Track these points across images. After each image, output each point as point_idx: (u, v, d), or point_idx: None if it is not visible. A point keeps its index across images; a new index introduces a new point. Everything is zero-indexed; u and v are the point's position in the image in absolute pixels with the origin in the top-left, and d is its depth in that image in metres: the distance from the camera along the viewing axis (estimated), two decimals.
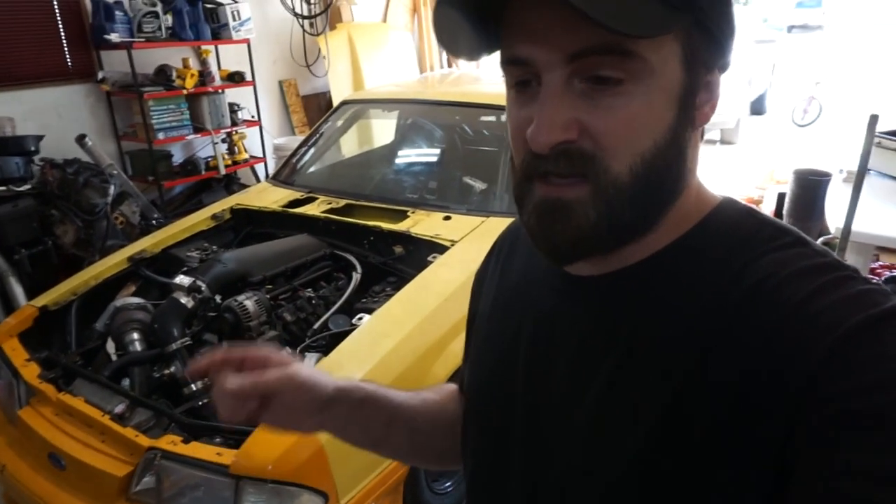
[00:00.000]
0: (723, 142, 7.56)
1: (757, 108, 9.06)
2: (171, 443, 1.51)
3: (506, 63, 0.49)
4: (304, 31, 5.31)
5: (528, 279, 0.62)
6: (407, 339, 1.73)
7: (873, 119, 2.15)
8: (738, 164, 6.11)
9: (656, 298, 0.50)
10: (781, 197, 3.88)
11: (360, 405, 0.66)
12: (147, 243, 2.44)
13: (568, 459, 0.53)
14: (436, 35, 0.50)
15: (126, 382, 1.83)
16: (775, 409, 0.41)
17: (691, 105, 0.48)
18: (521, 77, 0.49)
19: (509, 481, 0.59)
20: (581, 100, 0.46)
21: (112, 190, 3.46)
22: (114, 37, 3.72)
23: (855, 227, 2.35)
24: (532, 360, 0.58)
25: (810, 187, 3.55)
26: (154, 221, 3.61)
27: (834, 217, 2.76)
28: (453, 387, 0.80)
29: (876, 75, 11.84)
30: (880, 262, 3.03)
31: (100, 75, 3.91)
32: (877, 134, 2.40)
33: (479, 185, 2.59)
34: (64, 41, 3.87)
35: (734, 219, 0.52)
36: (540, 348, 0.57)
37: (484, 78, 3.85)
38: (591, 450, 0.51)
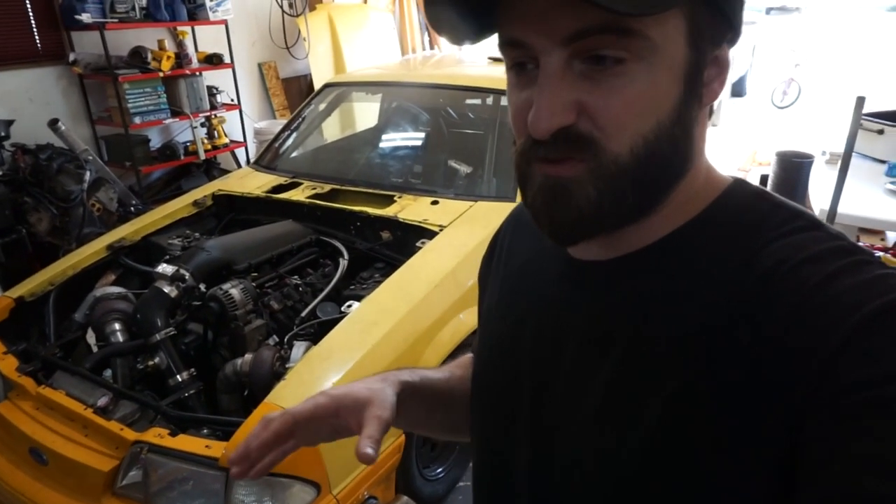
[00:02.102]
0: None
1: (737, 90, 9.12)
2: (157, 436, 1.47)
3: (503, 45, 0.48)
4: (283, 11, 5.19)
5: (535, 264, 0.61)
6: (397, 327, 1.71)
7: (860, 101, 2.15)
8: (720, 146, 6.14)
9: (665, 284, 0.49)
10: (764, 179, 3.90)
11: (411, 397, 0.65)
12: (126, 231, 2.38)
13: (573, 447, 0.52)
14: (430, 21, 0.48)
15: (108, 374, 1.78)
16: (788, 396, 0.40)
17: (698, 82, 0.47)
18: (518, 59, 0.47)
19: (514, 471, 0.58)
20: (581, 81, 0.44)
21: (88, 176, 3.36)
22: (85, 17, 3.59)
23: (839, 208, 2.37)
24: (539, 345, 0.57)
25: (793, 169, 3.58)
26: (132, 208, 3.53)
27: (817, 198, 2.78)
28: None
29: (853, 57, 11.97)
30: (861, 243, 3.07)
31: (71, 57, 3.78)
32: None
33: (464, 169, 2.56)
34: (32, 22, 3.73)
35: (745, 201, 0.50)
36: (547, 334, 0.56)
37: (467, 60, 3.80)
38: (596, 441, 0.50)
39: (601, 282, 0.53)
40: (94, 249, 2.27)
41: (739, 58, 8.41)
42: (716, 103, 0.51)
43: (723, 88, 0.49)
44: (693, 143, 0.48)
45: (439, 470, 2.08)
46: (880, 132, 2.92)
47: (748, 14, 10.10)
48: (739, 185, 0.52)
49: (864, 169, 2.84)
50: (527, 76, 0.47)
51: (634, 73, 0.43)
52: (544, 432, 0.55)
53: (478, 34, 0.49)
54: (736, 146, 6.19)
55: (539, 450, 0.56)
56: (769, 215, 0.48)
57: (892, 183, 2.62)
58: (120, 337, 1.88)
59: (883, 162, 2.84)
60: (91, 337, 1.95)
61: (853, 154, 2.38)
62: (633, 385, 0.48)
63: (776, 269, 0.44)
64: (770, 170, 3.90)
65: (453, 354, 1.86)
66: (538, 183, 0.48)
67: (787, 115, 8.03)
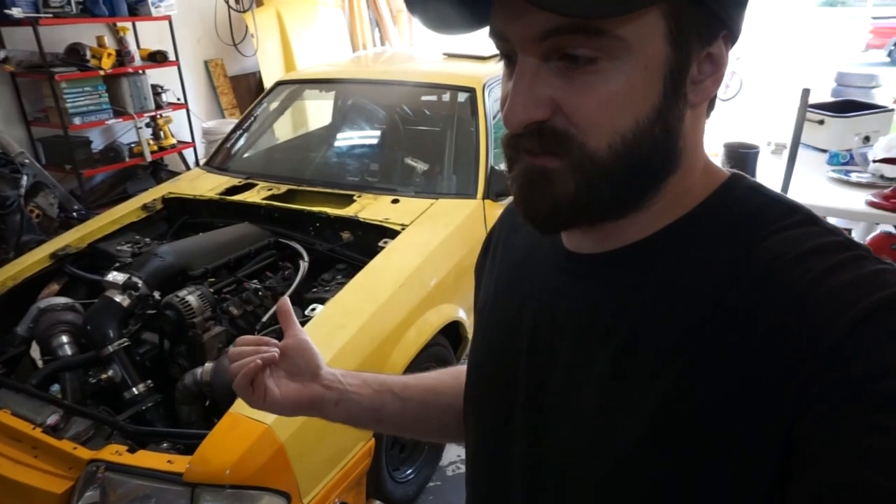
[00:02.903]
0: None
1: None
2: (115, 453, 1.40)
3: (491, 35, 0.48)
4: (229, 7, 5.04)
5: (532, 257, 0.61)
6: (363, 329, 1.68)
7: (805, 93, 2.23)
8: None
9: (661, 278, 0.49)
10: None
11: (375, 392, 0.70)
12: (71, 238, 2.27)
13: (569, 443, 0.52)
14: (412, 8, 0.47)
15: (55, 389, 1.69)
16: (784, 391, 0.40)
17: (681, 81, 0.46)
18: (505, 51, 0.48)
19: (510, 464, 0.58)
20: (557, 78, 0.45)
21: (24, 180, 3.20)
22: (16, 11, 3.40)
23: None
24: (535, 338, 0.57)
25: (740, 159, 3.68)
26: (75, 214, 3.37)
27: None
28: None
29: (790, 50, 12.49)
30: None
31: (1, 54, 3.57)
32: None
33: (420, 166, 2.54)
34: None
35: (742, 196, 0.50)
36: (543, 327, 0.56)
37: (419, 56, 3.77)
38: (594, 430, 0.50)
39: (596, 275, 0.53)
40: (36, 258, 2.15)
41: None
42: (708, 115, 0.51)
43: (718, 86, 0.48)
44: (678, 142, 0.48)
45: (409, 471, 2.06)
46: (821, 122, 3.04)
47: None
48: (737, 179, 0.52)
49: (806, 158, 2.94)
50: (512, 68, 0.47)
51: (608, 72, 0.43)
52: (540, 427, 0.55)
53: (470, 24, 0.49)
54: None
55: (535, 443, 0.56)
56: (766, 210, 0.48)
57: (833, 171, 2.73)
58: (68, 350, 1.79)
59: (824, 151, 2.96)
60: (35, 351, 1.85)
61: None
62: (629, 379, 0.48)
63: (773, 263, 0.44)
64: (717, 160, 4.03)
65: (420, 354, 1.85)
66: (521, 169, 0.49)
67: (731, 107, 8.32)
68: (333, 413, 0.68)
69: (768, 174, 2.95)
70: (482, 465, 0.64)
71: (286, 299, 0.70)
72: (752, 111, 7.44)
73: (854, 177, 2.64)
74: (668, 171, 0.48)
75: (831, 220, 2.79)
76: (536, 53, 0.44)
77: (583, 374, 0.51)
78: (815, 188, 2.67)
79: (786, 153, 2.60)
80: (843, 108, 3.16)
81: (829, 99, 4.51)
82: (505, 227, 0.68)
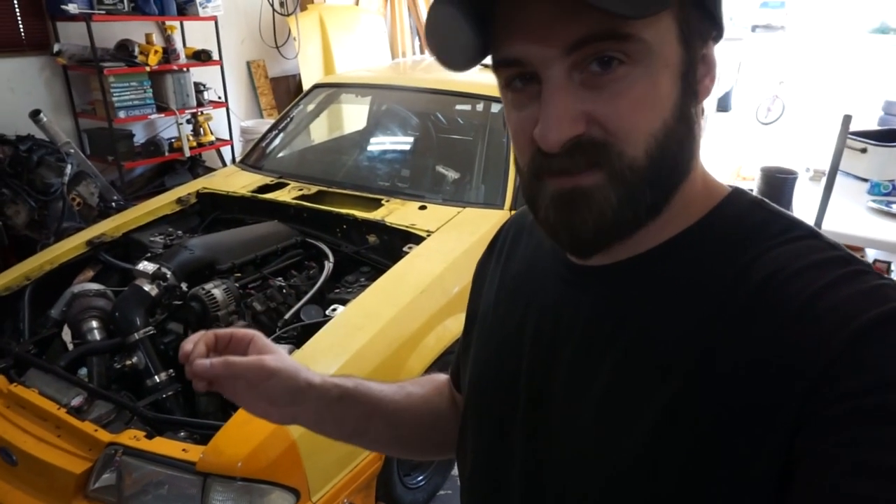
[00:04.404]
0: None
1: (723, 104, 9.24)
2: (133, 438, 1.44)
3: (499, 64, 0.48)
4: (273, 10, 5.15)
5: (535, 268, 0.61)
6: (382, 332, 1.69)
7: (847, 119, 2.18)
8: (704, 160, 6.19)
9: (664, 289, 0.49)
10: None
11: (337, 401, 0.66)
12: (107, 227, 2.33)
13: (568, 454, 0.52)
14: (430, 47, 0.48)
15: (83, 373, 1.74)
16: (784, 404, 0.40)
17: (693, 80, 0.48)
18: (514, 76, 0.48)
19: (509, 473, 0.58)
20: (584, 91, 0.45)
21: (69, 169, 3.30)
22: (71, 7, 3.53)
23: (823, 225, 2.39)
24: (536, 349, 0.57)
25: (777, 185, 3.60)
26: (113, 204, 3.46)
27: (802, 215, 2.81)
28: (440, 378, 0.80)
29: (836, 76, 12.19)
30: None
31: (55, 48, 3.70)
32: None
33: (451, 175, 2.54)
34: (17, 10, 3.66)
35: (744, 210, 0.51)
36: (545, 338, 0.56)
37: None
38: (594, 442, 0.50)
39: (599, 287, 0.53)
40: (73, 244, 2.22)
41: (725, 74, 8.52)
42: (703, 116, 0.51)
43: (713, 84, 0.50)
44: (697, 140, 0.49)
45: (420, 478, 2.06)
46: (863, 151, 2.96)
47: (735, 31, 10.30)
48: (738, 194, 0.52)
49: (846, 186, 2.87)
50: (526, 93, 0.47)
51: (634, 76, 0.44)
52: (540, 436, 0.55)
53: (473, 59, 0.49)
54: (721, 161, 6.25)
55: (534, 454, 0.55)
56: (767, 224, 0.49)
57: (874, 201, 2.66)
58: (97, 335, 1.84)
59: (865, 180, 2.88)
60: (67, 334, 1.90)
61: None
62: (630, 391, 0.48)
63: (773, 277, 0.44)
64: (754, 185, 3.94)
65: (437, 361, 1.85)
66: (550, 196, 0.48)
67: (771, 131, 8.15)
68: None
69: (806, 201, 2.88)
70: (481, 474, 0.63)
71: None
72: (795, 137, 7.28)
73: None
74: (689, 171, 0.50)
75: (871, 252, 2.71)
76: (562, 69, 0.44)
77: (583, 386, 0.51)
78: (854, 218, 2.60)
79: (824, 180, 2.53)
80: (888, 136, 3.07)
81: (875, 127, 4.39)
82: (510, 238, 0.68)
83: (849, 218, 2.55)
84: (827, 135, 2.89)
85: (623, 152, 0.45)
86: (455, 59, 0.49)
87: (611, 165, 0.45)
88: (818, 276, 0.43)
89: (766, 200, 0.52)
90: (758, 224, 0.49)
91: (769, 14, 18.28)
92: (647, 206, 0.47)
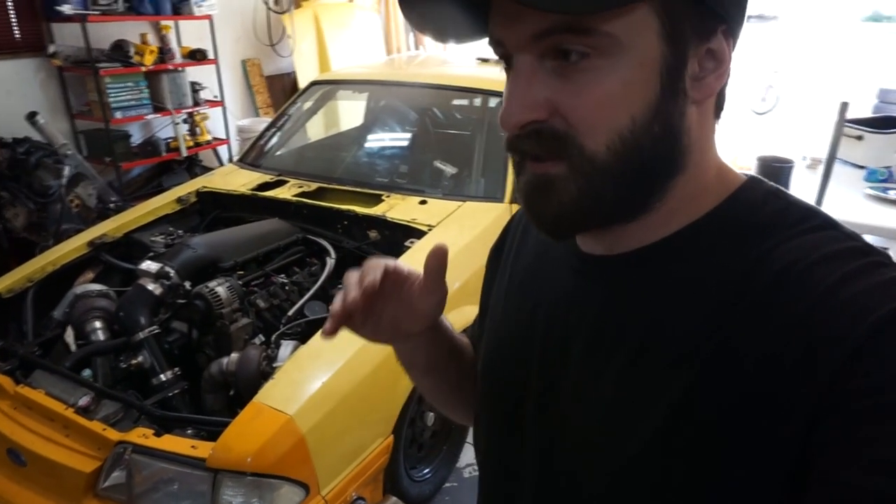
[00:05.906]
0: None
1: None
2: (141, 436, 1.44)
3: (490, 42, 0.49)
4: (268, 8, 5.14)
5: (547, 258, 0.61)
6: None
7: (843, 106, 2.19)
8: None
9: (673, 282, 0.48)
10: None
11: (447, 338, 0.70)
12: (108, 227, 2.33)
13: (579, 445, 0.52)
14: (410, 17, 0.49)
15: (87, 373, 1.74)
16: (800, 396, 0.40)
17: (679, 78, 0.45)
18: (502, 55, 0.49)
19: (521, 463, 0.58)
20: (553, 79, 0.45)
21: (67, 171, 3.30)
22: (66, 8, 3.52)
23: None
24: (548, 339, 0.57)
25: (774, 174, 3.62)
26: (112, 205, 3.46)
27: None
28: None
29: (830, 65, 12.20)
30: None
31: (51, 49, 3.69)
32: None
33: (449, 170, 2.55)
34: (11, 11, 3.64)
35: (759, 199, 0.49)
36: (556, 327, 0.56)
37: (453, 60, 3.79)
38: (606, 431, 0.50)
39: (609, 277, 0.53)
40: (74, 245, 2.22)
41: None
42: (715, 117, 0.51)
43: (721, 83, 0.47)
44: (683, 139, 0.47)
45: (426, 471, 2.07)
46: (860, 138, 2.98)
47: None
48: (754, 182, 0.51)
49: (843, 174, 2.88)
50: (510, 73, 0.49)
51: (602, 71, 0.43)
52: (552, 426, 0.55)
53: (467, 35, 0.50)
54: (717, 150, 6.26)
55: (545, 444, 0.56)
56: (783, 214, 0.48)
57: (871, 188, 2.67)
58: (101, 335, 1.84)
59: (862, 167, 2.89)
60: (70, 335, 1.91)
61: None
62: (641, 382, 0.48)
63: (789, 269, 0.43)
64: (751, 174, 3.96)
65: None
66: (526, 180, 0.49)
67: (766, 120, 8.16)
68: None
69: (803, 189, 2.90)
70: (492, 465, 0.64)
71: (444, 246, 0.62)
72: (790, 126, 7.28)
73: (892, 194, 2.58)
74: (674, 171, 0.48)
75: (868, 238, 2.73)
76: (532, 54, 0.45)
77: (594, 377, 0.51)
78: (851, 204, 2.61)
79: (821, 168, 2.55)
80: (884, 124, 3.09)
81: (870, 115, 4.41)
82: (521, 227, 0.68)
83: (846, 205, 2.57)
84: (822, 123, 2.90)
85: (584, 146, 0.45)
86: (442, 34, 0.51)
87: (571, 158, 0.45)
88: (836, 268, 0.42)
89: (783, 189, 0.51)
90: (774, 213, 0.48)
91: (761, 4, 18.27)
92: (609, 201, 0.47)
